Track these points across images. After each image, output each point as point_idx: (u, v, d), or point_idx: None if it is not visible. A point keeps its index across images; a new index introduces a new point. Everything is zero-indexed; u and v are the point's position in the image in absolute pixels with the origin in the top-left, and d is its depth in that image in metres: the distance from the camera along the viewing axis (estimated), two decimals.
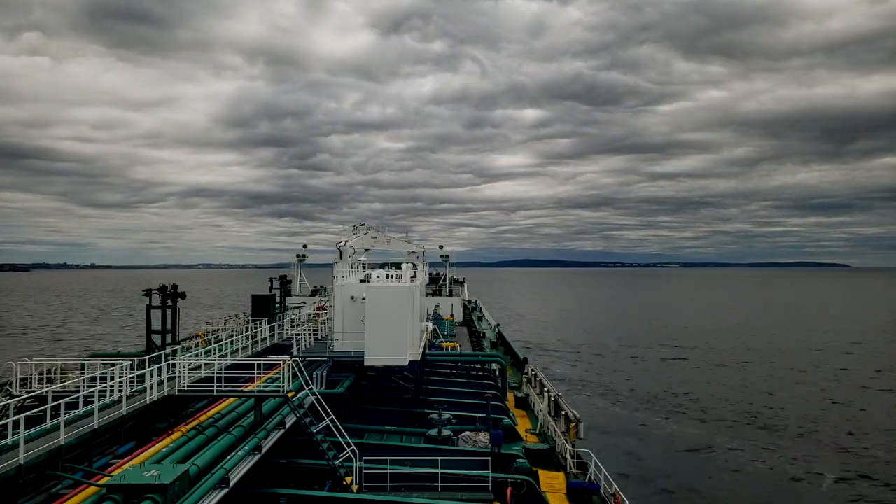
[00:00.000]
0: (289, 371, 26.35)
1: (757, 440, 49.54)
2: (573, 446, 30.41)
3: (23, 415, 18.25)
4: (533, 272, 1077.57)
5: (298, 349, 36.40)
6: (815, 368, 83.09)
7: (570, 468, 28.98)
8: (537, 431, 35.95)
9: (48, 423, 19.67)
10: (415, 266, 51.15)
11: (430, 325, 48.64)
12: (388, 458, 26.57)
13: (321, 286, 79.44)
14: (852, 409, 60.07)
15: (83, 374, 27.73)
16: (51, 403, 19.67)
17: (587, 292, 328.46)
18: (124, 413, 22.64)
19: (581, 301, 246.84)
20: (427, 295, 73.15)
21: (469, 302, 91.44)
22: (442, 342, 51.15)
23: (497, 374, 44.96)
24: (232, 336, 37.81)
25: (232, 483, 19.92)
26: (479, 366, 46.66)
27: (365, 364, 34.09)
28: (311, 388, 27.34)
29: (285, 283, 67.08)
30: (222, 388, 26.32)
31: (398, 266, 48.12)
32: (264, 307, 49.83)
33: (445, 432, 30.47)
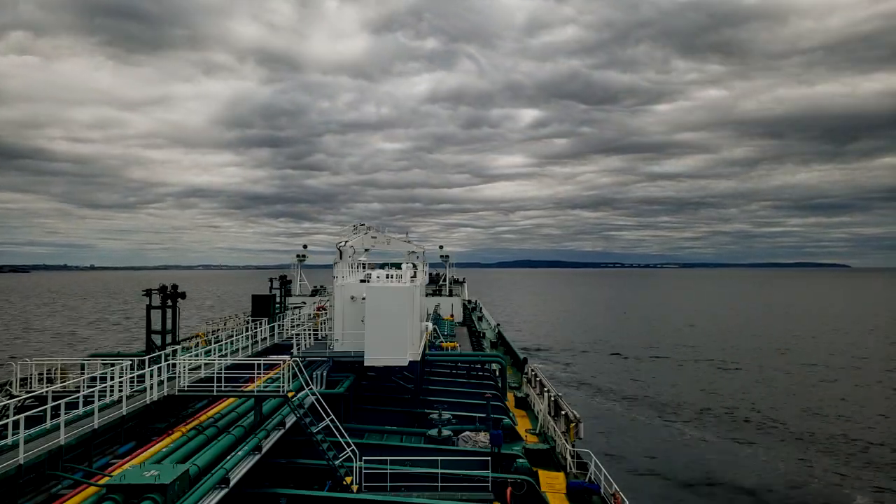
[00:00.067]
0: (289, 371, 26.35)
1: (757, 440, 49.51)
2: (573, 446, 30.42)
3: (23, 415, 18.25)
4: (533, 272, 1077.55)
5: (298, 349, 36.40)
6: (815, 368, 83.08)
7: (570, 468, 28.98)
8: (537, 431, 35.96)
9: (48, 423, 19.67)
10: (415, 266, 51.16)
11: (430, 325, 48.65)
12: (388, 458, 26.57)
13: (321, 286, 79.47)
14: (852, 410, 60.03)
15: (83, 374, 27.73)
16: (51, 403, 19.66)
17: (587, 293, 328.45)
18: (124, 413, 22.64)
19: (581, 301, 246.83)
20: (427, 295, 73.18)
21: (469, 302, 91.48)
22: (442, 342, 51.16)
23: (497, 374, 44.97)
24: (232, 336, 37.82)
25: (232, 483, 19.92)
26: (479, 366, 46.67)
27: (365, 364, 34.09)
28: (311, 388, 27.34)
29: (285, 283, 67.14)
30: (222, 388, 26.31)
31: (398, 266, 48.13)
32: (264, 307, 49.85)
33: (445, 432, 30.48)
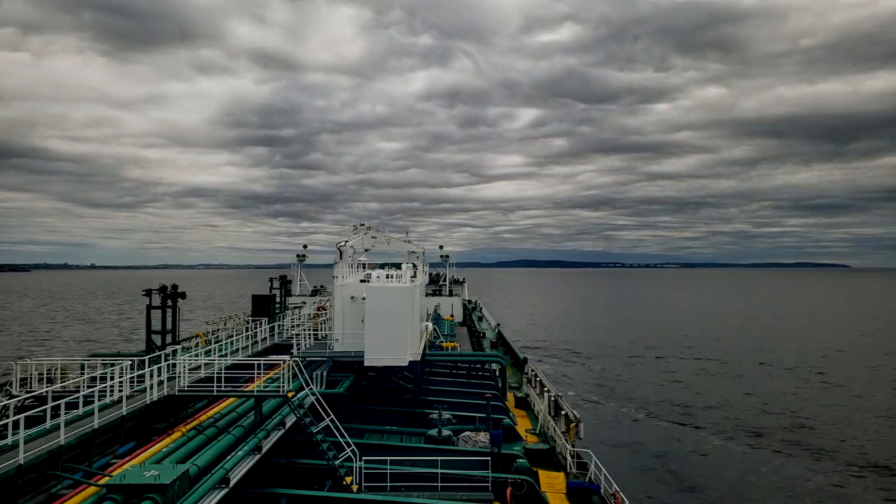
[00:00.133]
0: (289, 371, 26.35)
1: (756, 440, 49.52)
2: (573, 446, 30.42)
3: (23, 415, 18.26)
4: (533, 272, 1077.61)
5: (298, 349, 36.40)
6: (815, 368, 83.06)
7: (570, 468, 28.98)
8: (537, 431, 35.95)
9: (48, 423, 19.67)
10: (415, 266, 51.17)
11: (430, 325, 48.65)
12: (388, 458, 26.57)
13: (321, 286, 79.48)
14: (852, 410, 60.05)
15: (83, 374, 27.73)
16: (51, 403, 19.67)
17: (587, 293, 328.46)
18: (124, 413, 22.64)
19: (581, 301, 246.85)
20: (427, 295, 73.18)
21: (469, 302, 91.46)
22: (442, 342, 51.16)
23: (497, 374, 44.97)
24: (232, 336, 37.83)
25: (232, 483, 19.92)
26: (479, 366, 46.67)
27: (365, 364, 34.09)
28: (311, 388, 27.35)
29: (285, 283, 67.17)
30: (222, 388, 26.32)
31: (398, 266, 48.13)
32: (264, 307, 49.86)
33: (445, 432, 30.48)
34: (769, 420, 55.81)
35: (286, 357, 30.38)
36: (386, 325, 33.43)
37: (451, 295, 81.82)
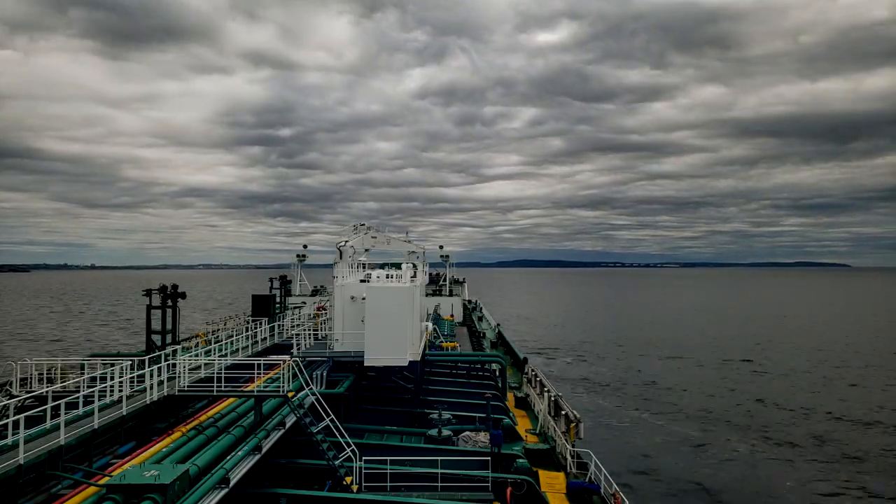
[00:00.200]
0: (289, 371, 26.36)
1: (756, 440, 49.54)
2: (573, 446, 30.42)
3: (23, 415, 18.26)
4: (532, 272, 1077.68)
5: (298, 349, 36.40)
6: (815, 369, 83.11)
7: (570, 468, 28.99)
8: (537, 431, 35.96)
9: (48, 423, 19.68)
10: (415, 266, 51.17)
11: (430, 325, 48.65)
12: (388, 458, 26.58)
13: (321, 286, 79.50)
14: (852, 410, 60.05)
15: (83, 374, 27.73)
16: (51, 403, 19.68)
17: (587, 292, 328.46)
18: (124, 413, 22.65)
19: (581, 301, 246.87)
20: (427, 295, 73.18)
21: (469, 302, 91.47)
22: (442, 342, 51.16)
23: (497, 374, 44.97)
24: (232, 336, 37.83)
25: (232, 483, 19.92)
26: (479, 366, 46.67)
27: (365, 364, 34.09)
28: (311, 388, 27.35)
29: (285, 283, 67.21)
30: (222, 388, 26.32)
31: (398, 266, 48.14)
32: (264, 307, 49.87)
33: (445, 432, 30.48)
34: (769, 420, 55.81)
35: (286, 357, 30.40)
36: (386, 325, 33.43)
37: (451, 295, 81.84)
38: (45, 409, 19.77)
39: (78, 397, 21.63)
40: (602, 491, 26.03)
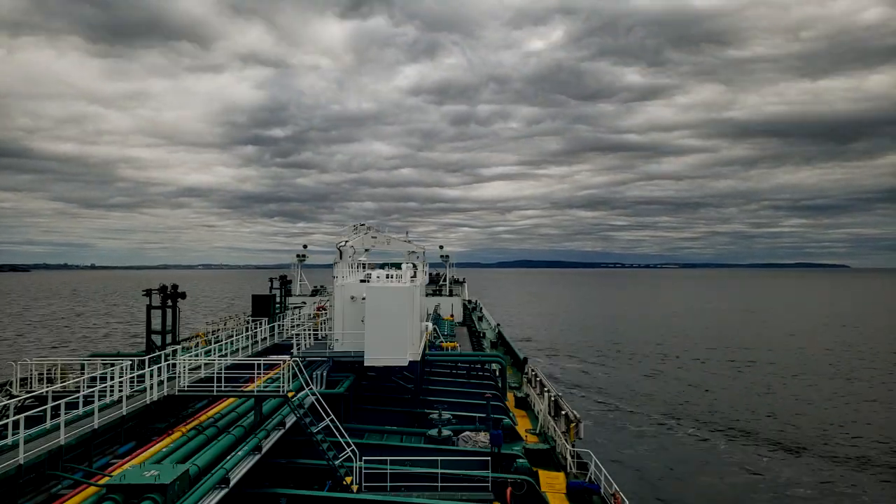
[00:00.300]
0: (289, 371, 26.36)
1: (756, 440, 49.53)
2: (573, 446, 30.42)
3: (23, 415, 18.26)
4: (532, 273, 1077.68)
5: (298, 349, 36.41)
6: (815, 369, 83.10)
7: (570, 468, 28.98)
8: (537, 431, 35.96)
9: (48, 423, 19.67)
10: (415, 266, 51.17)
11: (430, 325, 48.65)
12: (388, 458, 26.58)
13: (321, 286, 79.52)
14: (852, 410, 60.08)
15: (83, 374, 27.73)
16: (51, 403, 19.67)
17: (586, 293, 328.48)
18: (124, 413, 22.64)
19: (580, 301, 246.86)
20: (427, 295, 73.19)
21: (469, 302, 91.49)
22: (442, 342, 51.16)
23: (497, 374, 44.97)
24: (232, 336, 37.84)
25: (232, 483, 19.92)
26: (479, 366, 46.67)
27: (365, 364, 34.09)
28: (311, 388, 27.35)
29: (285, 283, 67.20)
30: (222, 388, 26.32)
31: (398, 266, 48.14)
32: (264, 307, 49.86)
33: (445, 432, 30.48)
34: (770, 420, 55.80)
35: (286, 357, 30.39)
36: (386, 325, 33.43)
37: (451, 295, 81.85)
38: (45, 409, 19.76)
39: (78, 397, 21.63)
40: (602, 491, 26.03)
